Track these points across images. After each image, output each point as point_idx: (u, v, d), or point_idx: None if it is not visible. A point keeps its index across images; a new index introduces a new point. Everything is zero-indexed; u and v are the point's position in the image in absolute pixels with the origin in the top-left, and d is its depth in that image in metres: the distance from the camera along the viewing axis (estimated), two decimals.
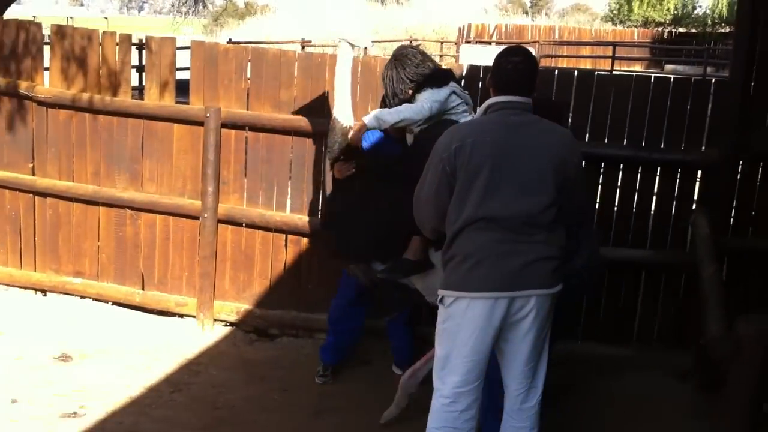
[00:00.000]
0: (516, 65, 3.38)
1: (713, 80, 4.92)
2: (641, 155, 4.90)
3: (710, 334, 3.58)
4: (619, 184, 4.99)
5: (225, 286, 5.57)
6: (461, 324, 3.26)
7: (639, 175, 4.94)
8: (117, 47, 5.64)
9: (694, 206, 4.91)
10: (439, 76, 4.19)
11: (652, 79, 4.97)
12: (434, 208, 3.40)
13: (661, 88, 4.88)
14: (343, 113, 4.18)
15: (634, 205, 4.95)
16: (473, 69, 5.17)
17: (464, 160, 3.23)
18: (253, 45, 6.09)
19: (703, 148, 4.89)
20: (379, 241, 4.05)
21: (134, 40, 6.02)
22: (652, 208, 4.96)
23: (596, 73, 5.10)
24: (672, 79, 4.94)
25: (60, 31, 5.75)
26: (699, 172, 4.92)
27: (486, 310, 3.22)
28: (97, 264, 5.84)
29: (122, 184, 5.68)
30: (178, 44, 5.68)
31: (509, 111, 3.33)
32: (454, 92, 4.14)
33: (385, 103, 4.28)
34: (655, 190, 4.96)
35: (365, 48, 4.43)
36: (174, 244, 5.66)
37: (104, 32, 5.72)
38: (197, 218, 5.49)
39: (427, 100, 4.06)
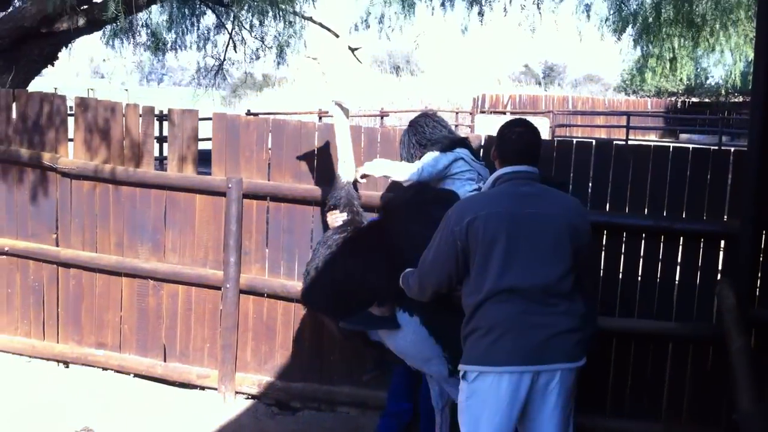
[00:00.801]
0: (520, 135, 3.47)
1: (732, 150, 4.92)
2: (663, 225, 4.88)
3: (742, 410, 3.52)
4: (641, 254, 4.97)
5: (246, 358, 5.54)
6: (486, 401, 3.22)
7: (662, 245, 4.92)
8: (140, 119, 5.74)
9: (718, 277, 4.85)
10: (445, 141, 4.25)
11: (671, 149, 4.97)
12: (437, 277, 3.44)
13: (680, 158, 4.89)
14: (344, 170, 4.36)
15: (658, 276, 4.90)
16: (491, 139, 5.21)
17: (478, 233, 3.25)
18: (273, 116, 6.15)
19: (725, 218, 4.86)
20: (339, 297, 4.07)
21: (156, 111, 6.12)
22: (676, 278, 4.91)
23: (614, 142, 5.11)
24: (691, 149, 4.94)
25: (83, 103, 5.87)
26: (722, 242, 4.88)
27: (512, 385, 3.18)
28: (120, 335, 5.84)
29: (145, 254, 5.72)
30: (199, 115, 5.78)
31: (518, 181, 3.38)
32: (462, 158, 4.18)
33: None
34: (679, 260, 4.91)
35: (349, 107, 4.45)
36: (196, 315, 5.66)
37: (127, 104, 5.83)
38: (219, 288, 5.50)
39: (422, 163, 4.11)
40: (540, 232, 3.25)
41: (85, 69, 79.42)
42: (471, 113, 33.07)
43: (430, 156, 4.23)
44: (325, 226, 4.60)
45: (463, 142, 4.40)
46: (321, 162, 5.32)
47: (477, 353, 3.27)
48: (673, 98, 41.51)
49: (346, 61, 4.35)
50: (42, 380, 5.76)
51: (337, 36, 9.63)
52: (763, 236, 4.74)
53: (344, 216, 4.34)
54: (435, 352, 3.90)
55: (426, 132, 4.34)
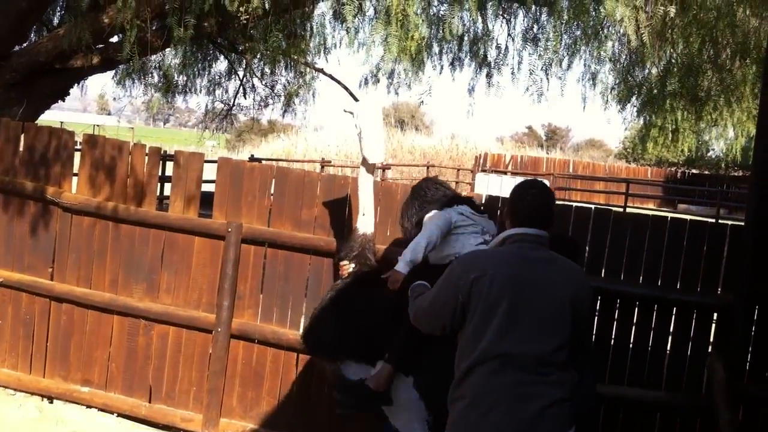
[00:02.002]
0: (534, 197, 3.41)
1: (729, 224, 4.97)
2: (657, 294, 4.91)
3: None
4: (634, 322, 4.98)
5: (232, 404, 5.51)
6: None
7: (654, 314, 4.93)
8: (146, 159, 5.79)
9: (709, 349, 4.86)
10: (444, 200, 4.33)
11: (669, 220, 5.02)
12: (430, 324, 3.46)
13: (677, 230, 4.94)
14: (364, 223, 4.48)
15: (650, 345, 4.91)
16: (492, 199, 5.27)
17: (482, 292, 3.20)
18: (276, 163, 6.21)
19: (719, 290, 4.89)
20: (342, 335, 4.24)
21: (161, 151, 6.17)
22: (668, 348, 4.92)
23: (612, 210, 5.16)
24: (688, 221, 5.00)
25: (91, 140, 5.93)
26: (715, 315, 4.90)
27: None
28: (107, 373, 5.81)
29: (139, 293, 5.72)
30: (205, 158, 5.84)
31: (528, 244, 3.32)
32: (461, 213, 4.22)
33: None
34: (671, 330, 4.93)
35: (378, 163, 4.57)
36: (185, 357, 5.64)
37: (134, 144, 5.89)
38: (210, 332, 5.49)
39: (426, 229, 4.16)
40: (543, 299, 3.19)
41: (93, 105, 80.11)
42: (472, 171, 33.25)
43: (428, 216, 4.27)
44: (336, 275, 4.69)
45: (462, 199, 4.45)
46: (322, 212, 5.35)
47: (466, 424, 3.19)
48: (674, 168, 41.79)
49: (377, 117, 4.42)
50: (24, 414, 5.70)
51: (347, 89, 9.77)
52: (756, 311, 4.76)
53: (350, 268, 4.45)
54: (421, 415, 3.89)
55: (427, 195, 4.42)
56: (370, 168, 4.49)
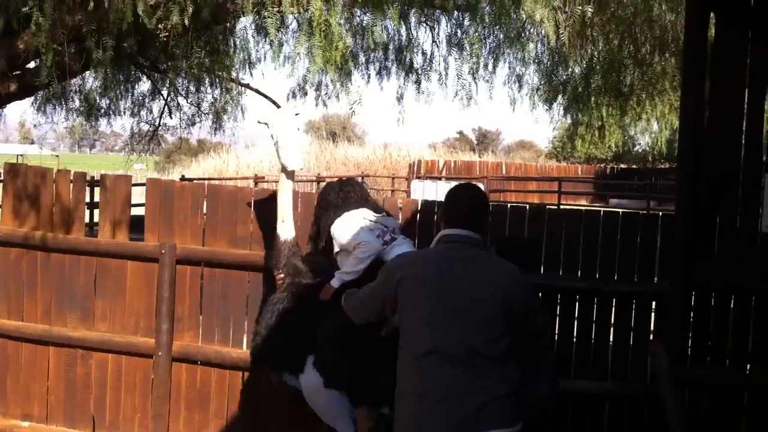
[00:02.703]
0: (469, 200, 3.51)
1: (660, 214, 5.06)
2: (596, 287, 4.97)
3: None
4: (576, 315, 5.03)
5: (179, 428, 5.37)
6: None
7: (595, 306, 4.99)
8: (71, 185, 5.63)
9: (651, 337, 4.94)
10: (343, 205, 4.41)
11: (602, 214, 5.09)
12: (362, 317, 3.65)
13: (611, 222, 5.01)
14: (284, 230, 4.54)
15: (593, 337, 4.97)
16: (428, 204, 5.26)
17: (407, 292, 3.34)
18: (208, 182, 6.12)
19: (656, 279, 4.98)
20: (287, 351, 4.28)
21: (88, 177, 6.03)
22: (611, 339, 4.98)
23: (547, 207, 5.21)
24: (621, 214, 5.07)
25: (13, 170, 5.75)
26: (653, 304, 4.99)
27: None
28: (47, 407, 5.62)
29: (73, 323, 5.55)
30: (132, 181, 5.71)
31: (457, 245, 3.41)
32: (368, 220, 4.28)
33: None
34: (612, 321, 4.99)
35: (297, 170, 4.61)
36: (126, 385, 5.49)
37: (58, 170, 5.73)
38: (151, 356, 5.36)
39: (356, 251, 4.22)
40: (469, 296, 3.27)
41: (15, 135, 78.13)
42: (407, 179, 33.43)
43: (355, 243, 4.26)
44: (273, 287, 4.65)
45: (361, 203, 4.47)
46: (257, 227, 5.28)
47: (408, 421, 3.27)
48: (603, 165, 42.72)
49: (292, 125, 4.49)
50: None
51: (275, 103, 9.72)
52: (693, 297, 4.85)
53: (282, 276, 4.51)
54: (344, 412, 4.00)
55: (338, 202, 4.46)
56: (290, 175, 4.57)
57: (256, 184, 27.44)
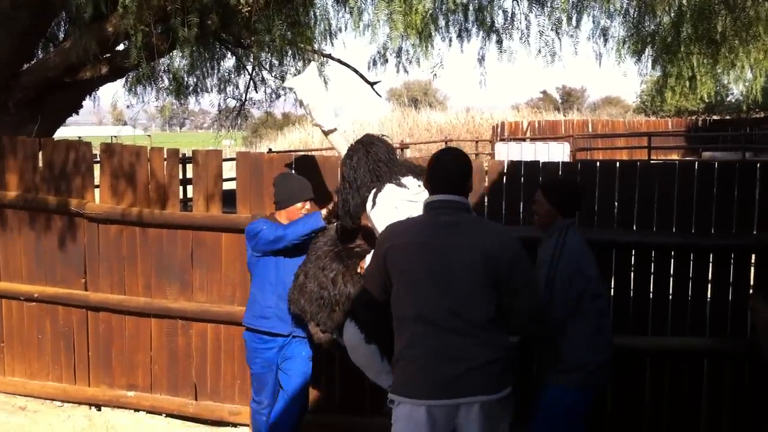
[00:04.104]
0: (445, 164, 3.49)
1: (759, 163, 4.86)
2: (691, 242, 4.83)
3: None
4: (671, 272, 4.92)
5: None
6: (406, 427, 3.32)
7: (691, 262, 4.86)
8: (165, 162, 5.80)
9: (750, 291, 4.79)
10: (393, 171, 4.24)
11: (697, 165, 4.94)
12: (372, 288, 3.67)
13: (705, 174, 4.85)
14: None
15: (689, 293, 4.84)
16: (514, 165, 5.20)
17: (395, 260, 3.42)
18: (296, 153, 6.20)
19: (755, 232, 4.81)
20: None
21: (179, 154, 6.17)
22: (708, 295, 4.85)
23: (639, 162, 5.08)
24: (716, 165, 4.90)
25: (109, 149, 5.94)
26: (753, 257, 4.82)
27: (429, 417, 3.27)
28: (150, 376, 5.87)
29: (173, 294, 5.75)
30: (222, 156, 5.82)
31: (440, 210, 3.42)
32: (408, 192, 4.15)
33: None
34: (710, 276, 4.86)
35: (334, 127, 4.68)
36: (225, 353, 5.67)
37: (152, 148, 5.89)
38: None
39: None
40: (452, 261, 3.30)
41: (108, 117, 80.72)
42: (491, 141, 33.06)
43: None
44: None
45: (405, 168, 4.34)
46: None
47: (398, 382, 3.41)
48: (694, 117, 41.31)
49: (318, 88, 4.62)
50: (75, 424, 5.77)
51: (356, 71, 9.70)
52: None
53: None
54: (383, 367, 4.05)
55: (359, 176, 4.27)
56: (331, 132, 4.64)
57: None
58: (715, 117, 40.95)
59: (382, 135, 4.39)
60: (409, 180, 4.16)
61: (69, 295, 5.99)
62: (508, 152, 29.46)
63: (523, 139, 32.90)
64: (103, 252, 5.92)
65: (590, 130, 37.24)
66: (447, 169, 3.47)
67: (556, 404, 3.99)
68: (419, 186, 4.08)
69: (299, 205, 4.83)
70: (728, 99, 38.12)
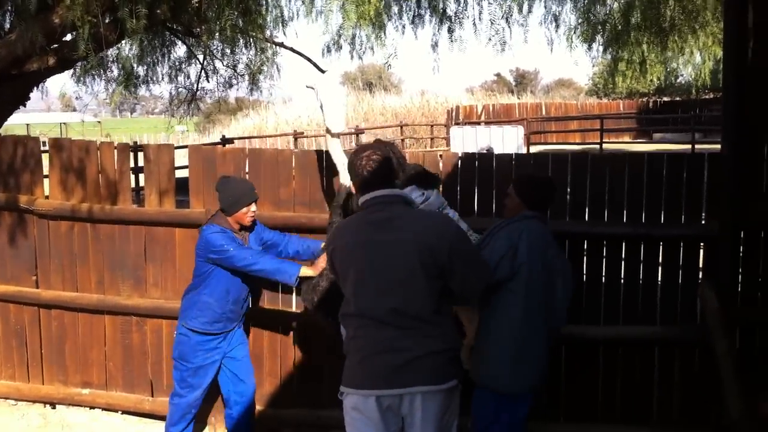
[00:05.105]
0: (364, 165, 3.51)
1: (706, 154, 4.96)
2: (641, 232, 4.91)
3: (732, 416, 3.53)
4: (623, 260, 4.99)
5: None
6: (355, 419, 3.41)
7: (642, 251, 4.94)
8: (115, 156, 5.71)
9: (699, 279, 4.89)
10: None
11: (646, 155, 5.01)
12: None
13: (655, 165, 4.93)
14: (342, 178, 4.62)
15: (640, 282, 4.93)
16: (468, 157, 5.22)
17: (336, 261, 3.51)
18: (248, 146, 6.15)
19: (703, 221, 4.91)
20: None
21: (131, 141, 6.09)
22: (659, 283, 4.94)
23: (589, 154, 5.14)
24: (665, 156, 4.98)
25: (57, 144, 5.84)
26: (702, 245, 4.92)
27: (376, 406, 3.33)
28: (105, 373, 5.80)
29: (127, 291, 5.69)
30: (175, 143, 5.75)
31: (372, 208, 3.47)
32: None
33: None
34: (660, 265, 4.94)
35: (340, 131, 4.74)
36: None
37: (101, 142, 5.80)
38: None
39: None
40: (387, 257, 3.35)
41: (56, 104, 79.09)
42: (446, 125, 33.17)
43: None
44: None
45: (412, 177, 4.41)
46: (300, 189, 5.32)
47: (345, 374, 3.46)
48: (645, 99, 41.88)
49: (335, 90, 4.66)
50: (29, 424, 5.70)
51: (310, 60, 9.64)
52: (742, 236, 4.78)
53: (336, 219, 4.59)
54: None
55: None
56: (335, 136, 4.72)
57: (295, 140, 27.52)
58: (665, 98, 41.58)
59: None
60: (409, 190, 4.24)
61: (20, 292, 5.89)
62: (463, 136, 29.60)
63: (478, 123, 33.08)
64: (54, 249, 5.82)
65: (544, 113, 37.60)
66: (369, 170, 3.50)
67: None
68: (421, 195, 4.27)
69: (245, 209, 4.84)
70: (678, 81, 38.69)
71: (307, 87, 4.74)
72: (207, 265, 4.84)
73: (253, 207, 4.89)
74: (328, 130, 4.68)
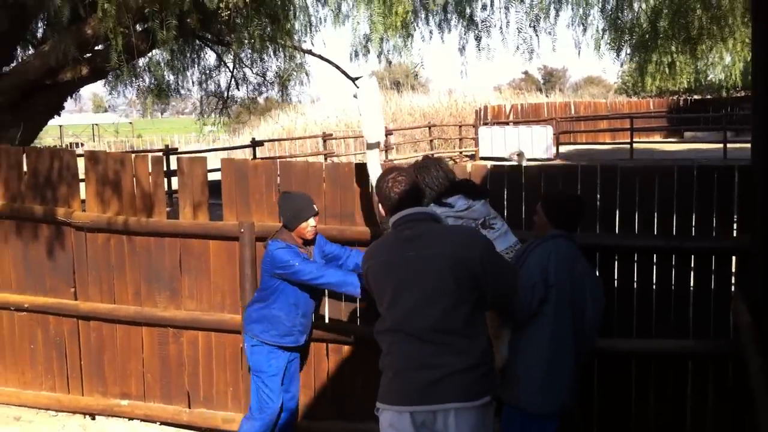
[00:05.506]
0: (393, 185, 3.64)
1: (736, 166, 4.92)
2: (673, 244, 4.90)
3: None
4: (654, 274, 4.99)
5: None
6: None
7: (674, 264, 4.93)
8: (150, 169, 5.80)
9: (732, 293, 4.87)
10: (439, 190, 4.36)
11: (676, 168, 5.00)
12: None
13: (686, 179, 4.92)
14: None
15: (672, 295, 4.92)
16: (497, 170, 5.23)
17: (372, 279, 3.59)
18: (280, 159, 6.24)
19: (735, 234, 4.89)
20: None
21: (160, 144, 6.18)
22: (691, 297, 4.93)
23: (619, 167, 5.12)
24: (695, 169, 4.96)
25: (93, 157, 5.94)
26: (734, 258, 4.90)
27: (405, 424, 3.37)
28: (143, 384, 5.91)
29: (163, 302, 5.79)
30: (206, 145, 5.84)
31: (402, 227, 3.57)
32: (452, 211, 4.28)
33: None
34: (692, 278, 4.93)
35: (379, 142, 4.93)
36: (217, 360, 5.72)
37: (136, 155, 5.90)
38: (239, 332, 5.52)
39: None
40: (420, 273, 3.42)
41: (88, 104, 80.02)
42: (474, 126, 33.10)
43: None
44: None
45: (457, 187, 4.44)
46: (330, 201, 5.37)
47: (381, 390, 3.52)
48: (675, 97, 41.47)
49: (375, 100, 4.83)
50: None
51: (337, 67, 9.72)
52: None
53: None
54: None
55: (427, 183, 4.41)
56: (372, 146, 4.84)
57: (324, 141, 27.61)
58: (696, 97, 41.12)
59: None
60: (454, 199, 4.32)
61: (59, 304, 6.01)
62: (492, 137, 29.56)
63: (507, 123, 32.97)
64: (92, 261, 5.94)
65: (573, 112, 37.37)
66: (397, 192, 3.63)
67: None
68: (466, 203, 4.30)
69: (304, 224, 4.94)
70: (709, 78, 38.25)
71: (353, 97, 4.86)
72: (273, 280, 4.95)
73: (312, 221, 4.98)
74: (366, 142, 4.82)
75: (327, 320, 5.47)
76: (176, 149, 24.54)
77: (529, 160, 24.80)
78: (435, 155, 30.26)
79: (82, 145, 46.69)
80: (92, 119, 62.70)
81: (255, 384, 5.10)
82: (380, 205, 4.51)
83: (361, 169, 5.24)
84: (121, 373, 5.95)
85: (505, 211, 5.06)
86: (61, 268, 6.03)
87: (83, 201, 6.00)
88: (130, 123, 58.85)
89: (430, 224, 3.59)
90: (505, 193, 5.11)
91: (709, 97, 40.12)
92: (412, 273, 3.43)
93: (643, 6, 8.06)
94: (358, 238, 5.29)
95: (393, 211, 3.63)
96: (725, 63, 12.66)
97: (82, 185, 5.97)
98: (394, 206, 3.63)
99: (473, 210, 4.30)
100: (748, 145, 4.77)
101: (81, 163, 5.94)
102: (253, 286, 5.44)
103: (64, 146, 34.21)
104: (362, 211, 5.33)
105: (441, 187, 4.35)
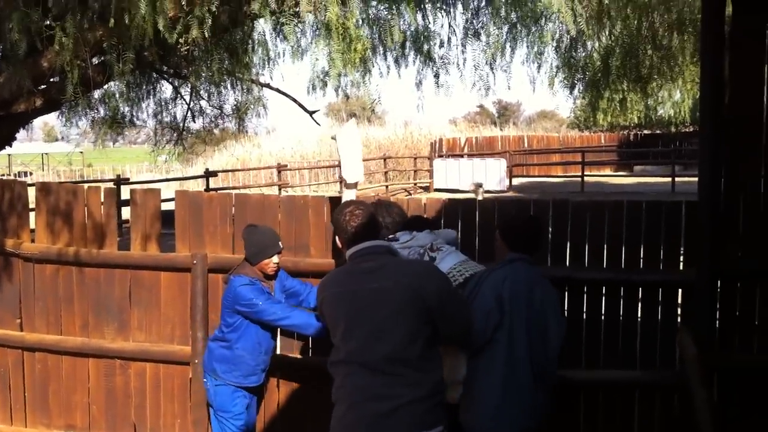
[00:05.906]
0: (351, 218, 3.69)
1: (683, 202, 5.05)
2: (621, 277, 5.00)
3: None
4: (603, 306, 5.07)
5: None
6: None
7: (622, 296, 5.02)
8: (102, 200, 5.75)
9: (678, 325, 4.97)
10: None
11: (625, 203, 5.11)
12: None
13: (635, 214, 5.02)
14: None
15: (620, 327, 5.01)
16: (451, 203, 5.30)
17: (326, 310, 3.62)
18: (236, 192, 6.23)
19: (681, 267, 5.00)
20: None
21: (111, 174, 6.13)
22: (639, 328, 5.01)
23: (570, 201, 5.22)
24: (644, 204, 5.07)
25: (45, 188, 5.87)
26: (680, 291, 5.01)
27: None
28: (89, 416, 5.80)
29: (111, 334, 5.70)
30: (159, 175, 5.81)
31: (359, 259, 3.61)
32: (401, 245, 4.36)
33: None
34: (639, 310, 5.02)
35: (357, 182, 5.05)
36: (165, 392, 5.64)
37: (89, 187, 5.85)
38: (187, 364, 5.48)
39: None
40: (376, 304, 3.45)
41: (38, 133, 78.81)
42: (429, 158, 33.37)
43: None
44: None
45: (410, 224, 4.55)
46: (285, 234, 5.37)
47: (333, 422, 3.52)
48: (626, 131, 42.30)
49: (354, 141, 4.94)
50: None
51: (296, 101, 9.78)
52: (719, 284, 4.86)
53: None
54: None
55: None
56: (350, 186, 4.97)
57: (279, 172, 27.61)
58: (646, 131, 42.00)
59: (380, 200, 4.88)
60: (399, 234, 4.43)
61: (4, 335, 5.88)
62: (446, 169, 29.83)
63: (461, 156, 33.30)
64: (39, 292, 5.84)
65: (526, 145, 37.90)
66: (354, 225, 3.67)
67: None
68: (409, 233, 4.40)
69: (267, 260, 4.93)
70: (659, 114, 39.14)
71: (332, 138, 5.00)
72: (235, 316, 4.91)
73: (275, 258, 4.96)
74: (343, 180, 4.93)
75: (278, 351, 5.43)
76: (128, 179, 24.33)
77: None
78: (389, 186, 30.47)
79: (31, 174, 46.02)
80: (43, 148, 61.73)
81: (219, 424, 5.06)
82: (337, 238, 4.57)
83: (336, 204, 5.27)
84: (66, 405, 5.83)
85: (459, 244, 5.11)
86: (8, 299, 5.91)
87: (33, 230, 5.92)
88: (81, 152, 58.03)
89: (387, 257, 3.64)
90: (459, 225, 5.17)
91: (658, 132, 41.03)
92: (368, 304, 3.46)
93: (596, 45, 8.28)
94: (313, 270, 5.28)
95: (350, 243, 3.67)
96: (675, 100, 13.01)
97: (32, 214, 5.88)
98: (350, 239, 3.66)
99: (417, 238, 4.38)
100: (696, 179, 4.90)
101: (32, 192, 5.86)
102: (204, 318, 5.41)
103: (12, 176, 33.70)
104: (317, 243, 5.34)
105: (396, 226, 4.48)
